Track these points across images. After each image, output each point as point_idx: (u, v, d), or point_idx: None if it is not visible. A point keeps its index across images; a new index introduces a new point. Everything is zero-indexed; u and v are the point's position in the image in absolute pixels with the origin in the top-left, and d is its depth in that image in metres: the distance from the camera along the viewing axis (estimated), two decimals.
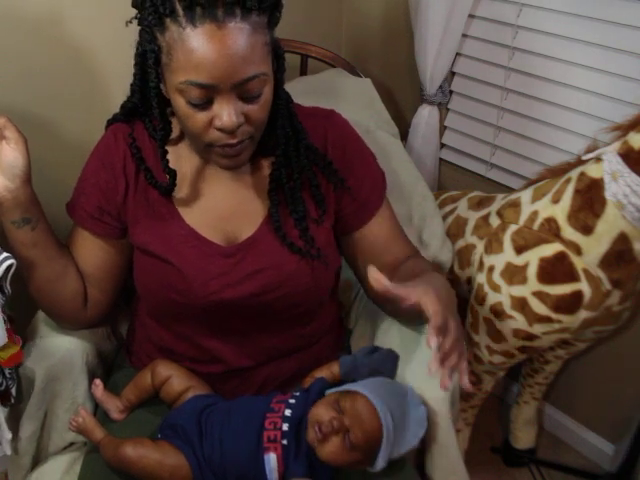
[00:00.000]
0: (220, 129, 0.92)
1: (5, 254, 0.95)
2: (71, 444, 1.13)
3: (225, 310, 1.07)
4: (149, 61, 0.93)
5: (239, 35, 0.87)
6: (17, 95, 1.33)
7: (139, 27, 0.95)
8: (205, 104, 0.91)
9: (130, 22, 0.97)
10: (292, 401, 1.04)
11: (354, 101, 1.50)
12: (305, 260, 1.08)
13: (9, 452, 1.05)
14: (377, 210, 1.15)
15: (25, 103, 1.35)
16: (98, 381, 1.12)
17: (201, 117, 0.92)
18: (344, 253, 1.20)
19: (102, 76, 1.45)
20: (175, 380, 1.10)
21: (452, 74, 1.70)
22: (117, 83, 1.42)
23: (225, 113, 0.90)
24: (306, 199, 1.09)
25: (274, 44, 0.96)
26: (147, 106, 1.03)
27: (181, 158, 1.08)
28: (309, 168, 1.07)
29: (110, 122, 1.12)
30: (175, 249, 1.06)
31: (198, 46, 0.86)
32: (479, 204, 1.51)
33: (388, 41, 1.84)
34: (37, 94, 1.36)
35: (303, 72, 1.64)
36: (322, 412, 0.98)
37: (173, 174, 1.04)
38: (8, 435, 1.04)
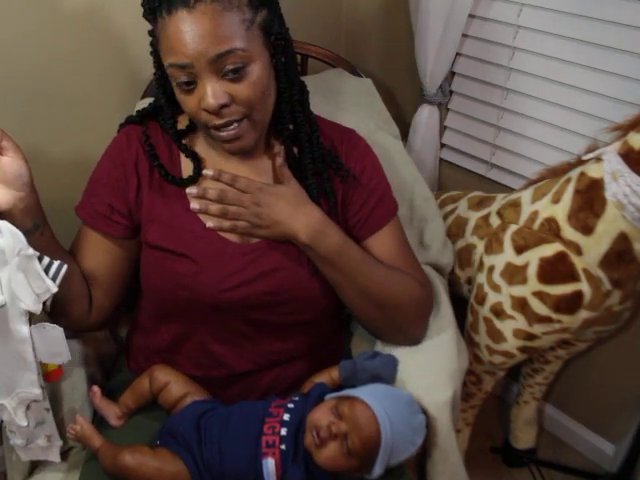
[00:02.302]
0: (205, 109, 0.95)
1: (57, 262, 0.95)
2: (70, 448, 1.12)
3: (233, 309, 1.07)
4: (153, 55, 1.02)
5: (208, 15, 0.91)
6: (20, 94, 1.33)
7: None
8: (191, 87, 0.95)
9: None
10: (291, 406, 1.04)
11: (354, 101, 1.50)
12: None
13: (58, 459, 1.07)
14: (378, 229, 1.13)
15: (27, 103, 1.35)
16: (96, 388, 1.12)
17: (191, 100, 0.96)
18: None
19: (112, 77, 1.45)
20: (173, 386, 1.10)
21: (452, 74, 1.70)
22: (124, 87, 1.43)
23: (207, 93, 0.94)
24: (322, 199, 1.09)
25: (265, 24, 0.98)
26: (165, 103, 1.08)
27: (197, 155, 1.09)
28: (320, 161, 1.09)
29: (122, 125, 1.14)
30: (191, 244, 1.07)
31: (173, 31, 0.92)
32: (479, 204, 1.51)
33: (388, 41, 1.84)
34: (40, 93, 1.36)
35: (303, 72, 1.64)
36: (320, 417, 0.98)
37: (195, 156, 1.08)
38: (59, 442, 1.05)
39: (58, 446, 1.05)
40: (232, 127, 0.98)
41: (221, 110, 0.95)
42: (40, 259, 0.93)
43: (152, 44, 1.01)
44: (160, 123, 1.11)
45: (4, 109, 1.32)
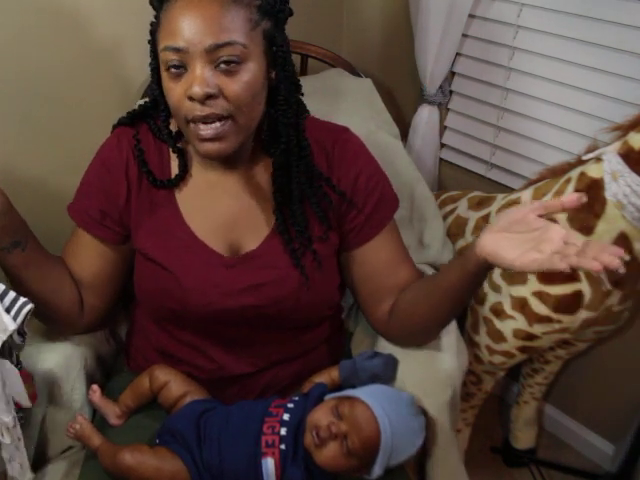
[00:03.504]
0: (190, 96, 0.91)
1: (22, 299, 0.93)
2: (70, 447, 1.12)
3: (224, 319, 1.07)
4: (151, 44, 0.98)
5: (215, 3, 0.91)
6: (18, 97, 1.33)
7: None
8: (180, 72, 0.92)
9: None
10: (291, 405, 1.04)
11: (354, 101, 1.50)
12: (308, 277, 1.06)
13: None
14: (381, 229, 1.11)
15: (26, 105, 1.35)
16: (95, 387, 1.12)
17: (178, 89, 0.93)
18: (343, 272, 1.16)
19: (109, 80, 1.45)
20: (173, 385, 1.10)
21: (452, 74, 1.70)
22: (121, 90, 1.44)
23: (195, 79, 0.90)
24: (310, 216, 1.07)
25: (268, 31, 0.96)
26: (156, 104, 1.06)
27: (186, 164, 1.08)
28: (308, 185, 1.06)
29: (115, 127, 1.12)
30: (176, 256, 1.06)
31: (176, 14, 0.91)
32: (479, 204, 1.51)
33: (388, 41, 1.84)
34: (39, 96, 1.36)
35: (303, 72, 1.64)
36: (320, 417, 0.98)
37: (182, 153, 1.05)
38: (29, 474, 1.02)
39: (29, 478, 1.02)
40: (214, 125, 0.93)
41: (206, 100, 0.90)
42: (5, 294, 0.92)
43: (152, 32, 0.98)
44: (150, 125, 1.09)
45: (5, 112, 1.33)
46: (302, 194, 1.05)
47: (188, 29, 0.90)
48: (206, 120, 0.92)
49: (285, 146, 1.03)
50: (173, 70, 0.92)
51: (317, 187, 1.07)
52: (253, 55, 0.94)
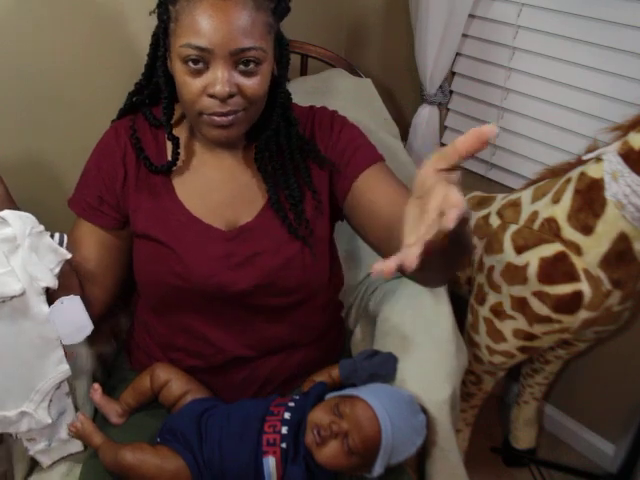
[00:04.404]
0: (212, 95, 0.96)
1: (57, 234, 0.97)
2: None
3: (224, 295, 1.08)
4: (159, 32, 1.01)
5: (241, 7, 0.94)
6: (18, 94, 1.34)
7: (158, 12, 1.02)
8: (201, 70, 0.96)
9: (153, 12, 1.03)
10: (292, 404, 1.04)
11: (354, 101, 1.50)
12: (302, 246, 1.09)
13: (81, 448, 1.08)
14: (371, 163, 1.10)
15: (27, 102, 1.35)
16: (97, 385, 1.12)
17: (196, 84, 0.97)
18: (351, 221, 1.14)
19: (108, 76, 1.45)
20: (174, 384, 1.10)
21: (452, 74, 1.70)
22: (121, 87, 1.44)
23: (218, 80, 0.95)
24: (305, 192, 1.11)
25: (278, 32, 1.03)
26: (151, 88, 1.10)
27: (181, 146, 1.10)
28: (298, 154, 1.10)
29: (114, 121, 1.16)
30: (175, 233, 1.08)
31: (202, 13, 0.93)
32: (479, 204, 1.51)
33: (388, 41, 1.84)
34: (39, 93, 1.37)
35: (303, 72, 1.64)
36: (321, 416, 0.98)
37: (176, 141, 1.08)
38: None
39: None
40: (227, 116, 0.98)
41: (227, 99, 0.96)
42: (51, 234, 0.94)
43: (163, 21, 0.99)
44: (146, 115, 1.12)
45: (8, 112, 1.33)
46: (295, 163, 1.10)
47: (215, 31, 0.93)
48: (226, 113, 0.98)
49: (272, 132, 1.08)
50: (192, 65, 0.95)
51: (306, 154, 1.11)
52: (268, 56, 0.99)
